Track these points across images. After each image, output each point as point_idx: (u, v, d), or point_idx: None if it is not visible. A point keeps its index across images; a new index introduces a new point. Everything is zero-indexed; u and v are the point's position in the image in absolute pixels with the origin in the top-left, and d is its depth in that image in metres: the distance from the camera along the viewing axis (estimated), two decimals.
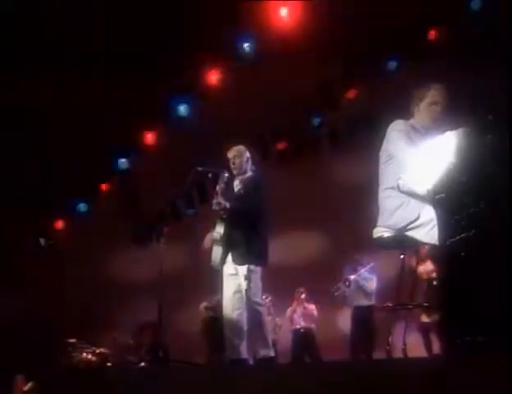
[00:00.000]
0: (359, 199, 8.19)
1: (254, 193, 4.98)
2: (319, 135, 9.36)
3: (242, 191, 5.00)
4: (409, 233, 3.90)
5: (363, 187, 8.31)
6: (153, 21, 7.91)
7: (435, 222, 3.59)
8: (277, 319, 8.75)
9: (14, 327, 7.99)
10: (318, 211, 9.32)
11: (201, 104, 8.80)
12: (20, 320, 8.30)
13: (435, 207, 3.55)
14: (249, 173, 5.15)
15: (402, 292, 4.26)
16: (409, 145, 3.90)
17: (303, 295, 8.86)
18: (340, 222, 9.24)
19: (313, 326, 8.95)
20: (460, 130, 3.42)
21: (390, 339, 3.97)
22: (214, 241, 4.97)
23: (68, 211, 9.37)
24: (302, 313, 8.93)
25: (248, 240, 4.86)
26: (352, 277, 8.44)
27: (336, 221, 9.32)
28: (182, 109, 8.71)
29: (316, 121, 9.26)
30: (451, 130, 3.50)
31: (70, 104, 8.51)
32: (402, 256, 4.19)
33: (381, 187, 4.09)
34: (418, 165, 3.75)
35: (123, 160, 9.13)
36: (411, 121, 4.15)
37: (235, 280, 4.87)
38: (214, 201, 4.85)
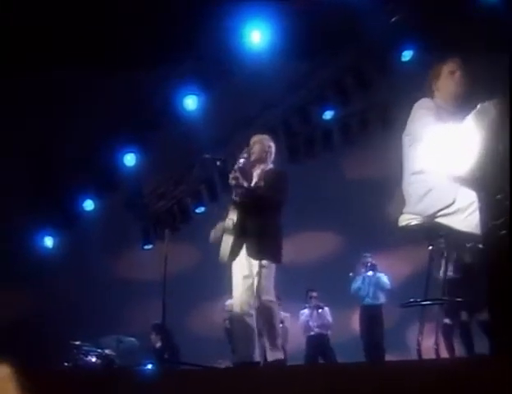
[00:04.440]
0: (374, 196, 8.73)
1: (277, 184, 4.71)
2: (331, 129, 9.09)
3: (264, 180, 4.71)
4: (441, 220, 3.55)
5: (378, 183, 8.83)
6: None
7: (475, 206, 3.24)
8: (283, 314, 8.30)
9: (18, 327, 7.96)
10: (330, 208, 9.28)
11: (207, 97, 8.51)
12: (23, 321, 8.27)
13: (476, 189, 3.17)
14: (271, 165, 4.88)
15: (431, 288, 3.87)
16: (437, 124, 3.58)
17: (315, 298, 8.80)
18: (353, 220, 9.15)
19: (328, 332, 8.81)
20: (494, 101, 3.10)
21: (419, 338, 3.59)
22: (225, 230, 4.66)
23: (74, 209, 9.09)
24: (316, 318, 8.82)
25: (264, 233, 4.56)
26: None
27: (348, 218, 9.24)
28: (190, 101, 8.38)
29: (328, 114, 8.93)
30: (482, 102, 3.19)
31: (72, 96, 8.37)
32: (430, 247, 3.82)
33: (407, 173, 3.78)
34: (450, 144, 3.40)
35: (129, 155, 8.77)
36: (435, 99, 3.84)
37: (246, 278, 4.63)
38: (231, 175, 4.56)
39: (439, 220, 3.62)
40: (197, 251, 9.05)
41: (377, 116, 8.83)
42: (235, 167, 4.65)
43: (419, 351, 3.54)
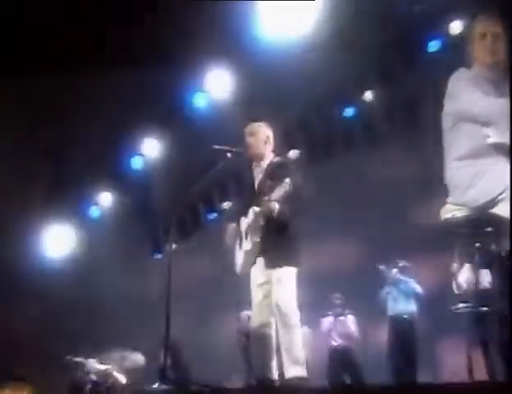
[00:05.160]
0: (400, 198, 8.46)
1: (295, 185, 4.25)
2: (353, 127, 8.70)
3: (273, 180, 4.31)
4: (494, 210, 2.93)
5: (405, 185, 8.55)
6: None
7: None
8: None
9: (19, 341, 7.70)
10: (352, 212, 8.86)
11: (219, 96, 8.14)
12: (25, 336, 7.93)
13: None
14: (273, 157, 4.48)
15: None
16: (480, 96, 3.02)
17: (338, 304, 8.31)
18: (378, 224, 8.68)
19: (352, 344, 8.29)
20: None
21: (468, 354, 2.94)
22: (240, 237, 4.43)
23: (79, 216, 8.82)
24: (339, 327, 8.32)
25: (281, 237, 4.30)
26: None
27: (373, 222, 8.76)
28: (198, 100, 8.07)
29: (349, 111, 8.55)
30: None
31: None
32: (478, 245, 3.19)
33: (449, 159, 3.21)
34: (498, 119, 2.88)
35: (136, 158, 8.39)
36: (473, 68, 3.28)
37: (264, 288, 4.35)
38: (264, 200, 4.22)
39: (489, 211, 2.99)
40: (209, 260, 8.63)
41: (402, 113, 8.43)
42: (256, 180, 4.40)
43: (470, 370, 2.87)
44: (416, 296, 7.85)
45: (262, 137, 4.48)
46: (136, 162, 8.42)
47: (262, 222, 4.28)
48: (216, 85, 7.99)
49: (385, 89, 8.15)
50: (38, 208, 8.38)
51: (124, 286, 8.55)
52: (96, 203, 8.66)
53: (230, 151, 4.47)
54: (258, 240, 4.31)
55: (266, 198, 4.23)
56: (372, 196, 8.78)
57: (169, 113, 8.22)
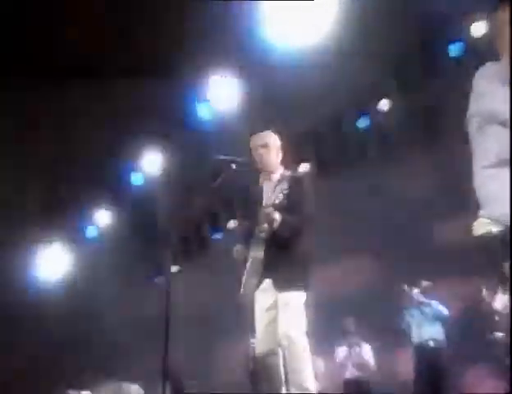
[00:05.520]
0: (421, 213, 8.03)
1: (301, 198, 4.05)
2: (367, 138, 8.31)
3: (286, 197, 3.99)
4: None
5: (425, 198, 8.10)
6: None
7: None
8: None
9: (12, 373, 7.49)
10: (367, 228, 8.51)
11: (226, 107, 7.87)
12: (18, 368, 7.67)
13: None
14: (284, 171, 4.20)
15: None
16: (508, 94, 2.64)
17: (353, 333, 7.90)
18: (397, 241, 8.25)
19: (369, 375, 7.82)
20: None
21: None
22: (252, 264, 4.10)
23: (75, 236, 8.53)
24: (354, 358, 7.85)
25: (292, 261, 4.01)
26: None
27: (391, 239, 8.36)
28: (202, 111, 7.78)
29: (363, 121, 8.17)
30: None
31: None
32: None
33: (478, 165, 2.76)
34: None
35: (137, 175, 8.01)
36: (502, 61, 2.84)
37: (270, 313, 4.07)
38: (263, 211, 3.96)
39: None
40: (214, 282, 8.33)
41: (421, 122, 8.03)
42: (265, 194, 4.10)
43: None
44: (442, 320, 7.38)
45: (274, 148, 4.17)
46: (136, 178, 8.14)
47: (263, 235, 3.98)
48: (221, 95, 7.76)
49: (402, 97, 7.83)
50: (32, 228, 8.13)
51: (122, 312, 8.30)
52: (93, 223, 8.41)
53: (235, 161, 4.14)
54: (262, 256, 4.02)
55: (267, 207, 3.94)
56: (389, 211, 8.39)
57: (171, 126, 7.99)
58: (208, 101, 7.80)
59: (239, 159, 4.10)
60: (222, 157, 4.12)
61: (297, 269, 4.00)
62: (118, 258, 8.18)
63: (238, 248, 4.17)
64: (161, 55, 7.80)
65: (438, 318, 7.36)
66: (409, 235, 8.16)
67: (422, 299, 7.43)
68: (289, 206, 3.93)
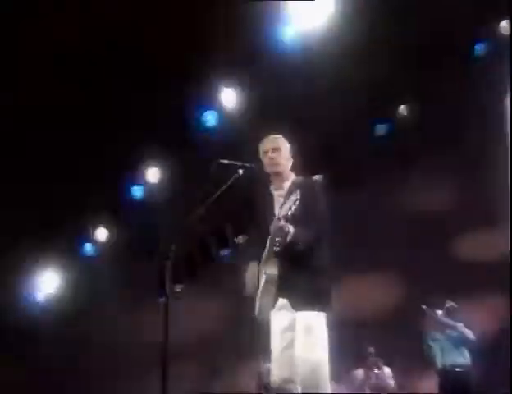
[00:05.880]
0: (441, 230, 7.77)
1: (317, 208, 3.81)
2: (385, 148, 7.96)
3: (300, 208, 3.71)
4: None
5: (447, 214, 7.82)
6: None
7: None
8: None
9: None
10: (385, 244, 8.16)
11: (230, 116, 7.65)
12: None
13: None
14: (296, 178, 3.93)
15: None
16: None
17: (372, 355, 7.72)
18: (418, 258, 7.90)
19: None
20: None
21: None
22: (266, 283, 3.81)
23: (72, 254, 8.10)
24: (373, 381, 7.67)
25: (309, 277, 3.74)
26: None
27: (411, 256, 8.03)
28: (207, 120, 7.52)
29: (380, 129, 7.82)
30: None
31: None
32: None
33: None
34: None
35: (137, 187, 7.75)
36: None
37: (287, 335, 3.77)
38: (275, 223, 3.67)
39: None
40: (222, 302, 8.18)
41: (444, 130, 7.62)
42: (276, 203, 3.85)
43: None
44: (468, 345, 6.97)
45: (286, 153, 3.91)
46: (137, 191, 7.80)
47: (277, 249, 3.70)
48: (227, 102, 7.49)
49: (423, 103, 7.53)
50: (26, 245, 7.70)
51: (123, 337, 7.92)
52: (91, 240, 7.99)
53: (242, 167, 3.85)
54: (275, 272, 3.75)
55: (279, 219, 3.63)
56: (410, 225, 8.11)
57: (174, 135, 7.61)
58: (215, 108, 7.51)
59: (246, 164, 3.81)
60: (227, 161, 3.80)
61: (315, 286, 3.73)
62: (117, 278, 7.81)
63: (250, 265, 3.87)
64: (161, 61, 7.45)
65: (464, 342, 6.96)
66: (431, 251, 7.88)
67: (446, 321, 7.05)
68: (302, 217, 3.66)
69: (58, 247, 7.91)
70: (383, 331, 7.71)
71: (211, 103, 7.62)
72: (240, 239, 8.41)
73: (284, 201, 3.83)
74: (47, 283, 8.00)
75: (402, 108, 7.60)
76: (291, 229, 3.58)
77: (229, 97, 7.48)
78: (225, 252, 8.55)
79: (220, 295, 7.90)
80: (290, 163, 3.88)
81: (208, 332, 8.12)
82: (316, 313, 3.73)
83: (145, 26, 7.40)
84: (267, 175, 3.87)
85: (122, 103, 7.58)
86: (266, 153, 3.85)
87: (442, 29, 7.07)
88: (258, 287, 3.83)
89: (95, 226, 7.90)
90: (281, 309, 3.80)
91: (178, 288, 7.83)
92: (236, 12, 7.02)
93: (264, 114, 7.04)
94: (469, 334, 6.93)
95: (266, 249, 3.80)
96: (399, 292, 8.30)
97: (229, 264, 8.08)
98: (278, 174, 3.85)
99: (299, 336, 3.71)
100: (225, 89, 7.52)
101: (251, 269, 3.91)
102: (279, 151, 3.86)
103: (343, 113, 7.37)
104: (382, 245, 8.02)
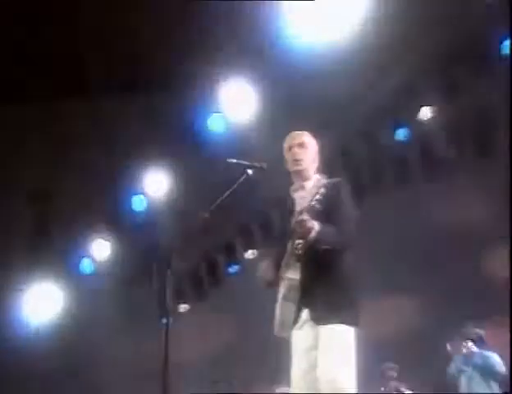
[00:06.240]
0: (468, 247, 7.32)
1: (343, 208, 3.52)
2: (406, 154, 7.50)
3: (324, 202, 3.46)
4: None
5: (474, 229, 7.26)
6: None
7: None
8: None
9: None
10: (406, 258, 7.72)
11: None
12: None
13: None
14: (320, 178, 3.60)
15: None
16: None
17: (394, 378, 7.28)
18: (443, 275, 7.50)
19: None
20: None
21: None
22: (288, 290, 3.48)
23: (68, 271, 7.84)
24: None
25: (335, 285, 3.43)
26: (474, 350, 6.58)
27: (435, 273, 7.59)
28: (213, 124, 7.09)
29: (401, 133, 7.31)
30: None
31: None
32: None
33: None
34: None
35: (138, 197, 7.38)
36: None
37: (311, 355, 3.43)
38: (297, 218, 3.37)
39: None
40: (231, 321, 7.71)
41: (469, 133, 7.19)
42: (298, 206, 3.55)
43: None
44: (497, 377, 6.43)
45: (312, 151, 3.63)
46: (138, 203, 7.41)
47: (299, 251, 3.41)
48: (235, 105, 6.99)
49: (446, 105, 6.99)
50: (20, 262, 7.55)
51: (123, 362, 7.59)
52: (89, 255, 7.65)
53: (251, 166, 3.58)
54: (297, 277, 3.45)
55: (301, 210, 3.34)
56: (433, 240, 7.65)
57: (178, 141, 7.29)
58: (220, 112, 7.08)
59: (256, 164, 3.53)
60: (236, 161, 3.54)
61: (342, 295, 3.40)
62: (117, 296, 7.54)
63: (264, 264, 3.54)
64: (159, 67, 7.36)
65: (493, 374, 6.43)
66: (458, 270, 7.42)
67: (473, 349, 6.53)
68: (328, 215, 3.36)
69: (52, 264, 7.63)
70: (407, 354, 7.23)
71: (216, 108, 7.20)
72: (250, 254, 8.05)
73: (307, 201, 3.49)
74: (42, 303, 7.65)
75: (425, 109, 7.11)
76: (316, 225, 3.26)
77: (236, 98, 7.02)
78: (234, 268, 8.18)
79: (227, 313, 7.50)
80: (315, 164, 3.58)
81: (216, 354, 7.68)
82: (341, 326, 3.37)
83: (146, 29, 7.20)
84: (290, 171, 3.55)
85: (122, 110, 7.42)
86: (290, 148, 3.55)
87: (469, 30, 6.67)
88: (275, 278, 3.47)
89: (93, 241, 7.55)
90: (304, 324, 3.46)
91: (182, 308, 7.45)
92: (245, 14, 6.72)
93: (278, 118, 6.63)
94: (500, 365, 6.38)
95: (286, 254, 3.46)
96: (423, 311, 7.79)
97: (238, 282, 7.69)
98: (301, 173, 3.54)
99: (322, 354, 3.37)
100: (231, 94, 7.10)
101: (265, 262, 3.55)
102: (305, 147, 3.57)
103: (363, 115, 6.96)
104: (407, 261, 7.62)
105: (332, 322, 3.39)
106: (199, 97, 7.33)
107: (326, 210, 3.35)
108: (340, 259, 3.44)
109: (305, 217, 3.28)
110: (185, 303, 7.63)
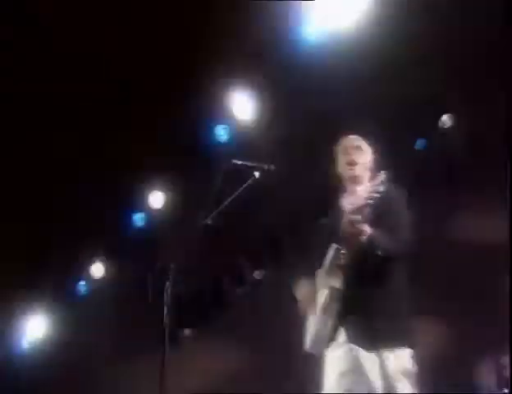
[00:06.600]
0: (493, 265, 6.07)
1: (400, 215, 3.35)
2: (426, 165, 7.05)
3: (379, 206, 3.24)
4: None
5: (502, 246, 6.67)
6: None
7: None
8: None
9: None
10: (431, 283, 6.92)
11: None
12: None
13: None
14: (374, 183, 3.33)
15: None
16: None
17: None
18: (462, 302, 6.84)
19: None
20: None
21: None
22: (328, 300, 3.23)
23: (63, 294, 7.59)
24: None
25: (389, 301, 3.17)
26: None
27: (456, 299, 6.92)
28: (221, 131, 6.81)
29: (421, 143, 6.94)
30: None
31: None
32: None
33: None
34: None
35: (139, 215, 7.18)
36: None
37: (351, 379, 3.17)
38: (347, 218, 3.17)
39: None
40: (240, 349, 7.32)
41: (496, 143, 6.22)
42: (343, 205, 3.41)
43: None
44: None
45: (368, 155, 3.54)
46: (138, 219, 7.16)
47: (343, 260, 3.19)
48: (242, 113, 6.66)
49: (471, 112, 6.57)
50: (12, 286, 7.20)
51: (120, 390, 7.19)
52: (85, 277, 7.34)
53: (258, 168, 3.35)
54: (338, 286, 3.24)
55: (352, 213, 3.11)
56: (458, 259, 7.01)
57: (183, 152, 6.94)
58: (226, 122, 6.78)
59: (264, 166, 3.34)
60: (241, 162, 3.35)
61: (397, 313, 3.18)
62: (116, 321, 7.20)
63: (304, 287, 3.36)
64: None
65: None
66: (481, 291, 6.79)
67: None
68: (380, 220, 3.14)
69: (47, 286, 7.35)
70: (435, 378, 6.56)
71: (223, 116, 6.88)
72: (259, 274, 7.69)
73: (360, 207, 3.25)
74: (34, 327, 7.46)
75: (447, 117, 6.69)
76: (368, 229, 3.10)
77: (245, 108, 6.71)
78: (241, 290, 7.75)
79: (235, 340, 7.16)
80: (368, 172, 3.44)
81: (224, 386, 7.17)
82: (398, 351, 3.12)
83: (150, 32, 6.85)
84: (339, 181, 3.42)
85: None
86: (345, 150, 3.45)
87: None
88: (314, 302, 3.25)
89: (90, 262, 7.29)
90: (344, 342, 3.23)
91: (187, 333, 7.03)
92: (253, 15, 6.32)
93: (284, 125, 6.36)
94: None
95: (326, 260, 3.27)
96: (458, 339, 7.23)
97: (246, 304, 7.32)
98: (355, 179, 3.42)
99: (397, 385, 3.08)
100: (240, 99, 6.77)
101: (306, 285, 3.38)
102: (361, 151, 3.47)
103: (380, 123, 6.53)
104: (431, 281, 6.85)
105: (387, 345, 3.11)
106: (204, 107, 6.90)
107: (380, 216, 3.14)
108: (395, 269, 3.20)
109: (356, 217, 3.06)
110: (189, 326, 7.27)
